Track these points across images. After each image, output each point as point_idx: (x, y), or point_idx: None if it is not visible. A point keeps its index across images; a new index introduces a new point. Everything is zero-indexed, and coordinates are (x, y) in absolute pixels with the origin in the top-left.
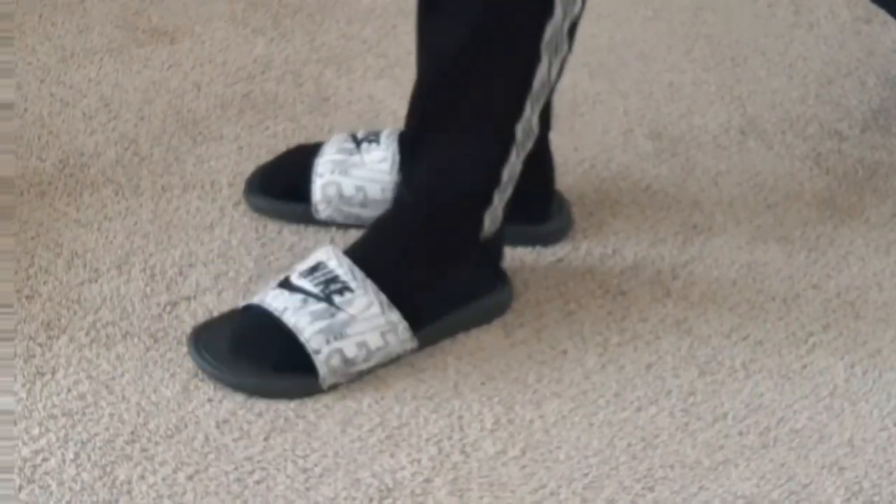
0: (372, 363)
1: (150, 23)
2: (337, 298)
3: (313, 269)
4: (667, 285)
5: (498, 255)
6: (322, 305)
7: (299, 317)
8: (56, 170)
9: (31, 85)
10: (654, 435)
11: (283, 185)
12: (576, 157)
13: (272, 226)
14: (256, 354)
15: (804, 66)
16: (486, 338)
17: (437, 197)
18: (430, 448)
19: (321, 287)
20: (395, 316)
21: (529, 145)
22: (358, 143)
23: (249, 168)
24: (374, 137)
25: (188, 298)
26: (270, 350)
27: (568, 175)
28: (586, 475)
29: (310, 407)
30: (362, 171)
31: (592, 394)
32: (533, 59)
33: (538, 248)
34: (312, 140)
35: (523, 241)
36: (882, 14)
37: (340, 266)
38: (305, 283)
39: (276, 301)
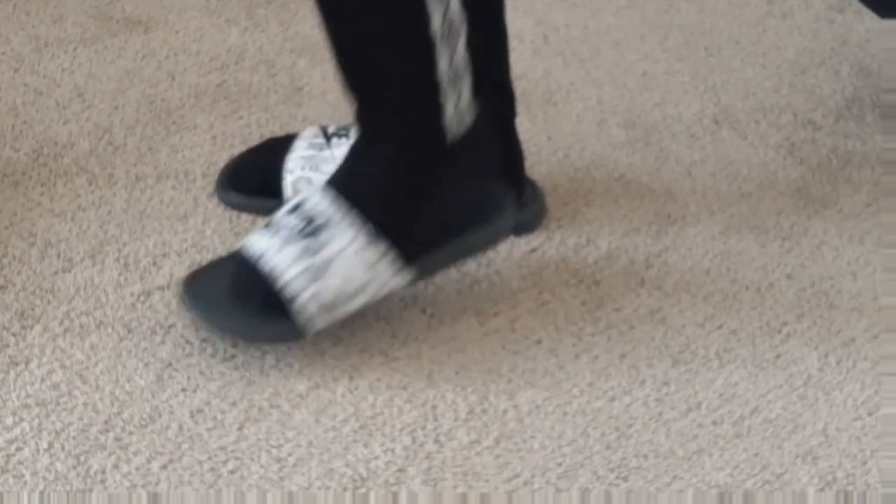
0: (360, 302)
1: (123, 12)
2: (321, 235)
3: (297, 206)
4: (641, 275)
5: (487, 174)
6: (303, 243)
7: (279, 259)
8: (30, 159)
9: (4, 74)
10: (628, 425)
11: (254, 181)
12: (549, 147)
13: (246, 216)
14: (244, 299)
15: (778, 56)
16: (459, 327)
17: (385, 119)
18: (404, 438)
19: (304, 223)
20: (382, 245)
21: (462, 34)
22: (328, 137)
23: (223, 158)
24: (344, 132)
25: (162, 288)
26: (255, 296)
27: (541, 164)
28: (560, 465)
29: (283, 397)
30: (333, 167)
31: (566, 383)
32: None
33: (512, 237)
34: (286, 130)
35: None
36: (855, 3)
37: (325, 198)
38: (288, 220)
39: (259, 243)
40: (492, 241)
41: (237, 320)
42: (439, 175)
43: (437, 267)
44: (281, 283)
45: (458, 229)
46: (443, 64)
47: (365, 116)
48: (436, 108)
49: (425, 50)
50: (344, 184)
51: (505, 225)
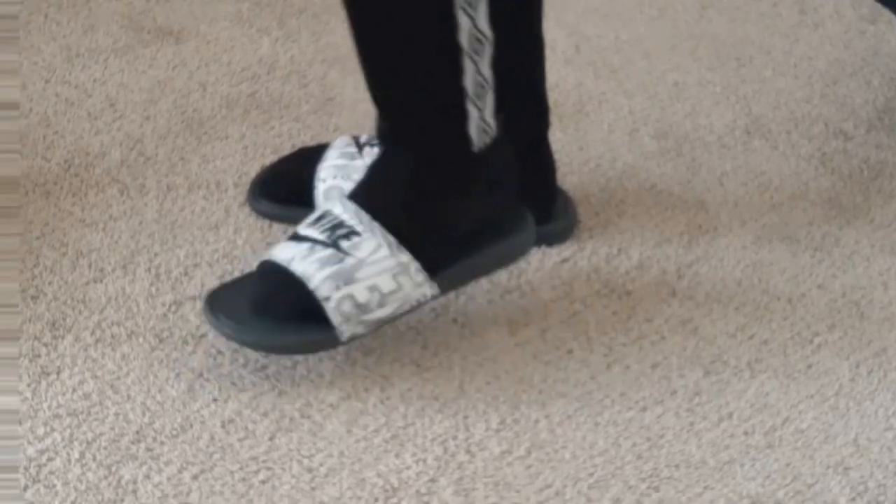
0: (390, 310)
1: (155, 23)
2: (344, 243)
3: (319, 218)
4: (672, 285)
5: (509, 190)
6: (329, 251)
7: (307, 265)
8: (61, 169)
9: (36, 85)
10: (660, 435)
11: (286, 190)
12: (581, 157)
13: (277, 226)
14: (272, 310)
15: (809, 66)
16: (491, 337)
17: (412, 124)
18: (436, 448)
19: (327, 233)
20: (405, 257)
21: (487, 51)
22: (360, 146)
23: (255, 168)
24: (375, 142)
25: (193, 298)
26: (284, 303)
27: (573, 174)
28: (591, 475)
29: (315, 407)
30: None
31: (598, 394)
32: None
33: (543, 247)
34: (317, 140)
35: None
36: (887, 14)
37: (346, 211)
38: (312, 231)
39: (284, 252)
40: (515, 256)
41: (267, 333)
42: (462, 186)
43: (462, 280)
44: (312, 285)
45: (480, 242)
46: (470, 71)
47: (391, 124)
48: (462, 114)
49: (454, 55)
50: (365, 197)
51: (528, 239)
